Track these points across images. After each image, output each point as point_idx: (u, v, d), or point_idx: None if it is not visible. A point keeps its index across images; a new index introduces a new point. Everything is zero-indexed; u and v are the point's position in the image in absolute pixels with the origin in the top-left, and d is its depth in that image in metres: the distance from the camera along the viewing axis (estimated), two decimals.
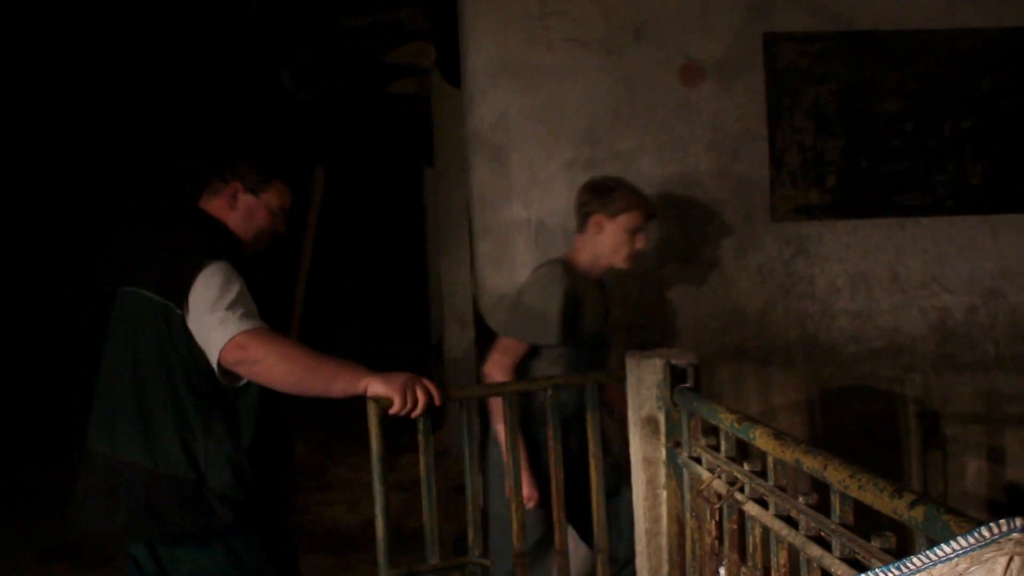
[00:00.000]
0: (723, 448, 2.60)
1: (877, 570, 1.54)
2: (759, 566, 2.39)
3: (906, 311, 4.49)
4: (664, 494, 3.00)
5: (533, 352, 3.77)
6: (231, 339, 2.90)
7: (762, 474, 2.36)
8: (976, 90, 4.54)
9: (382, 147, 11.16)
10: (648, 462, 3.03)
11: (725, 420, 2.53)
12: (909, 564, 1.47)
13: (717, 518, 2.65)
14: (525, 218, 4.32)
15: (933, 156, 4.51)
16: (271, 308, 3.16)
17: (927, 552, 1.44)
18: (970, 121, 4.53)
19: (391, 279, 13.12)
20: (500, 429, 3.65)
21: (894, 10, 4.50)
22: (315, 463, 7.71)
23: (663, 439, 2.97)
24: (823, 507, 2.04)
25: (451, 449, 7.65)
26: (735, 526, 2.58)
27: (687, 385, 2.94)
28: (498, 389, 3.33)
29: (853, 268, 4.49)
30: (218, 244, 3.10)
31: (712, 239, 4.40)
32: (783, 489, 2.29)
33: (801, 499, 2.13)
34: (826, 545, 2.01)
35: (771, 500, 2.30)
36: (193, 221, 3.23)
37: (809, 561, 2.05)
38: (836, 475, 1.89)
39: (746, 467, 2.44)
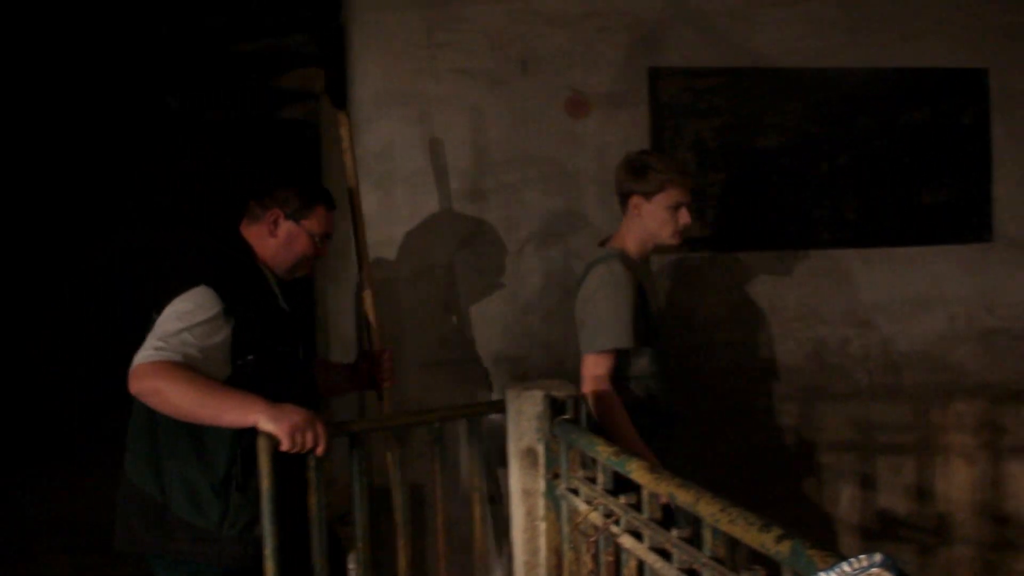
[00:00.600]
0: (600, 481, 2.62)
1: None
2: None
3: (783, 342, 4.58)
4: (543, 526, 3.01)
5: (630, 352, 3.69)
6: (133, 369, 2.93)
7: (637, 507, 2.38)
8: (852, 128, 4.66)
9: (270, 172, 11.04)
10: (527, 494, 3.04)
11: (602, 453, 2.55)
12: None
13: (593, 551, 2.66)
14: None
15: (811, 191, 4.63)
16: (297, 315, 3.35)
17: None
18: (846, 158, 4.65)
19: None
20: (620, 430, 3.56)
21: (776, 48, 4.61)
22: None
23: (542, 471, 2.99)
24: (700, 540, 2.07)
25: (336, 479, 7.55)
26: (611, 558, 2.59)
27: (567, 417, 2.96)
28: (383, 422, 3.32)
29: (733, 300, 4.57)
30: (217, 270, 3.13)
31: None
32: (658, 522, 2.31)
33: (674, 532, 2.16)
34: None
35: (645, 533, 2.32)
36: (215, 244, 3.29)
37: None
38: (707, 509, 1.93)
39: (622, 500, 2.46)
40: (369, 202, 4.26)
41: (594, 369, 3.61)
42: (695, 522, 2.07)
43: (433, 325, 4.33)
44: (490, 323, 4.35)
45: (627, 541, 2.41)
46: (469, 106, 4.31)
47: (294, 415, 2.91)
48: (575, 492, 2.81)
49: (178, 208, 9.47)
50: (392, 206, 4.29)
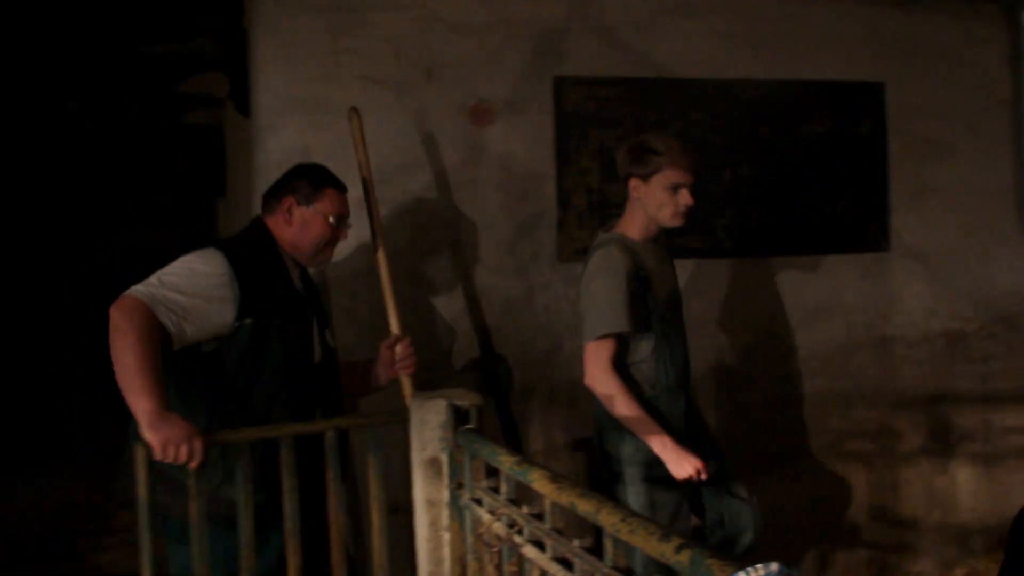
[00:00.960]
0: (503, 490, 2.61)
1: None
2: None
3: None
4: (447, 536, 2.99)
5: (629, 337, 3.72)
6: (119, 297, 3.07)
7: (540, 517, 2.38)
8: (754, 138, 4.73)
9: (175, 178, 10.88)
10: (431, 504, 3.01)
11: (505, 462, 2.54)
12: None
13: (497, 561, 2.65)
14: None
15: (714, 201, 4.68)
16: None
17: None
18: (748, 168, 4.71)
19: None
20: (628, 413, 3.64)
21: (680, 59, 4.66)
22: (94, 505, 7.39)
23: (446, 481, 2.96)
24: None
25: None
26: (515, 569, 2.58)
27: (470, 426, 2.94)
28: (270, 432, 3.26)
29: None
30: (230, 243, 3.41)
31: (503, 279, 4.43)
32: (561, 532, 2.31)
33: (576, 542, 2.15)
34: None
35: (548, 543, 2.31)
36: (243, 232, 3.55)
37: None
38: (609, 519, 1.92)
39: (525, 510, 2.45)
40: None
41: (595, 357, 3.67)
42: (597, 532, 2.07)
43: (339, 334, 4.29)
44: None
45: (530, 551, 2.40)
46: (373, 113, 4.27)
47: (172, 429, 2.95)
48: (479, 502, 2.79)
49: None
50: None
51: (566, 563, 2.23)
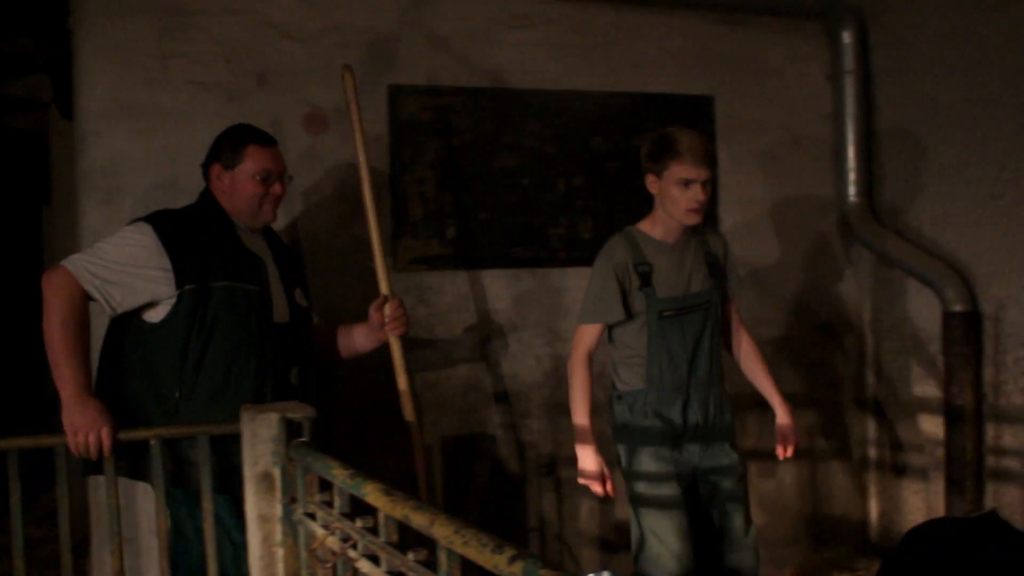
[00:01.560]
0: (337, 504, 2.57)
1: None
2: None
3: (522, 359, 4.64)
4: (280, 552, 2.93)
5: (620, 326, 3.81)
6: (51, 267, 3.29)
7: (374, 530, 2.34)
8: (587, 149, 4.79)
9: None
10: (264, 519, 2.95)
11: (338, 476, 2.50)
12: None
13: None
14: None
15: (548, 211, 4.72)
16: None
17: None
18: (581, 178, 4.77)
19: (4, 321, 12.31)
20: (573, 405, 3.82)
21: (514, 69, 4.69)
22: None
23: (279, 495, 2.90)
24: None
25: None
26: None
27: (303, 440, 2.89)
28: (144, 435, 3.20)
29: (472, 318, 4.60)
30: (160, 215, 3.46)
31: (336, 290, 4.37)
32: (396, 545, 2.28)
33: (411, 555, 2.13)
34: None
35: (383, 557, 2.29)
36: (193, 203, 3.64)
37: None
38: (442, 531, 1.91)
39: (359, 523, 2.41)
40: (96, 220, 4.08)
41: (576, 342, 3.83)
42: (431, 544, 2.05)
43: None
44: None
45: (364, 566, 2.37)
46: (204, 119, 4.17)
47: (83, 418, 3.16)
48: (312, 517, 2.75)
49: None
50: (121, 224, 4.09)
51: None
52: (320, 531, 2.64)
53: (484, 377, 4.62)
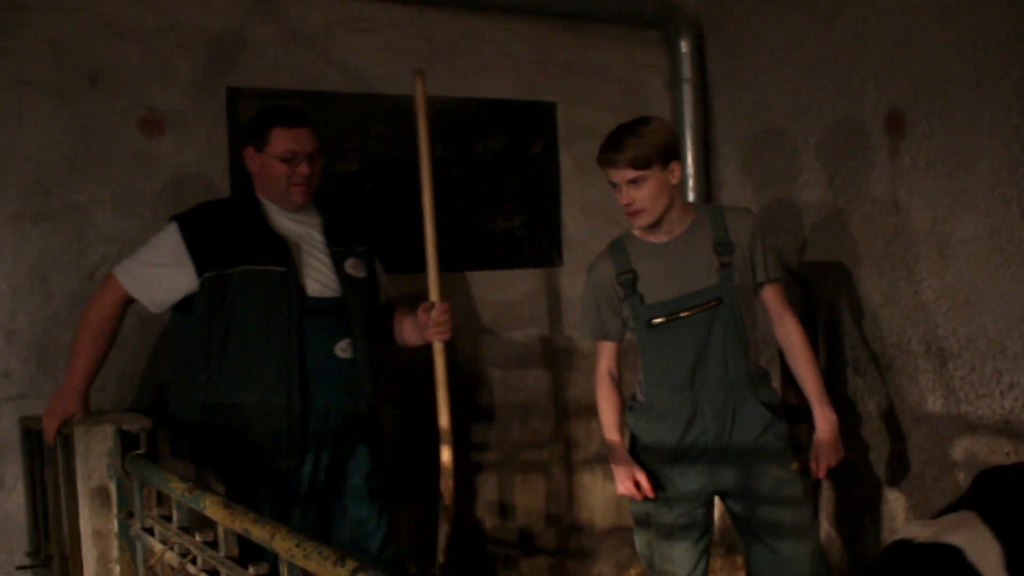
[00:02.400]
0: (175, 518, 2.50)
1: None
2: None
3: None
4: (117, 569, 2.85)
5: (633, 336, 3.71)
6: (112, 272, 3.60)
7: (214, 545, 2.29)
8: (432, 155, 4.75)
9: None
10: (99, 535, 2.86)
11: (176, 489, 2.44)
12: None
13: None
14: None
15: (390, 215, 4.67)
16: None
17: None
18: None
19: None
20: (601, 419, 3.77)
21: (357, 73, 4.64)
22: None
23: (115, 510, 2.82)
24: None
25: None
26: None
27: (140, 452, 2.81)
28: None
29: None
30: (190, 210, 3.70)
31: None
32: (236, 559, 2.23)
33: (251, 569, 2.08)
34: None
35: (222, 571, 2.23)
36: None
37: None
38: (283, 544, 1.87)
39: (198, 538, 2.35)
40: None
41: (597, 362, 3.81)
42: (274, 558, 2.01)
43: None
44: (64, 352, 4.03)
45: None
46: (32, 120, 4.01)
47: (55, 407, 3.45)
48: (150, 531, 2.67)
49: None
50: None
51: None
52: (158, 546, 2.58)
53: None
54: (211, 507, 2.20)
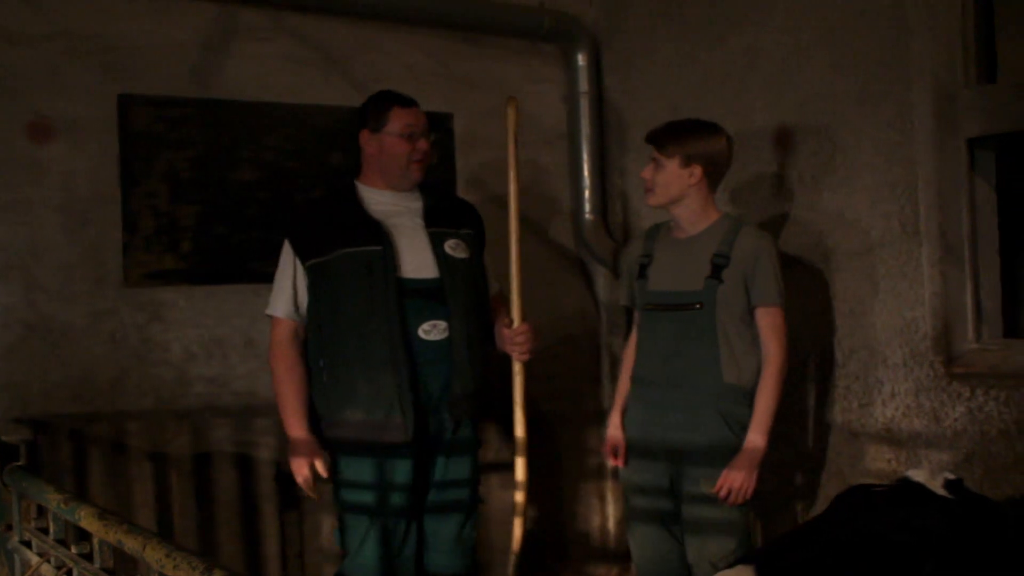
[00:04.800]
0: (52, 531, 2.47)
1: None
2: None
3: (261, 375, 4.55)
4: None
5: None
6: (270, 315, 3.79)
7: (89, 557, 2.27)
8: (325, 163, 4.76)
9: None
10: None
11: (52, 500, 2.41)
12: None
13: None
14: None
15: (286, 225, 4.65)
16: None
17: None
18: (321, 192, 4.73)
19: None
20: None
21: (251, 82, 4.61)
22: None
23: None
24: None
25: None
26: None
27: (19, 464, 2.77)
28: None
29: (209, 334, 4.49)
30: (296, 210, 4.22)
31: (63, 306, 4.19)
32: (111, 571, 2.21)
33: None
34: None
35: None
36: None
37: None
38: (154, 555, 1.87)
39: (74, 550, 2.33)
40: None
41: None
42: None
43: None
44: None
45: None
46: None
47: (297, 466, 3.66)
48: (28, 544, 2.64)
49: None
50: None
51: None
52: (35, 559, 2.54)
53: (222, 394, 4.52)
54: (86, 518, 2.18)
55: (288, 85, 4.69)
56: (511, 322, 3.83)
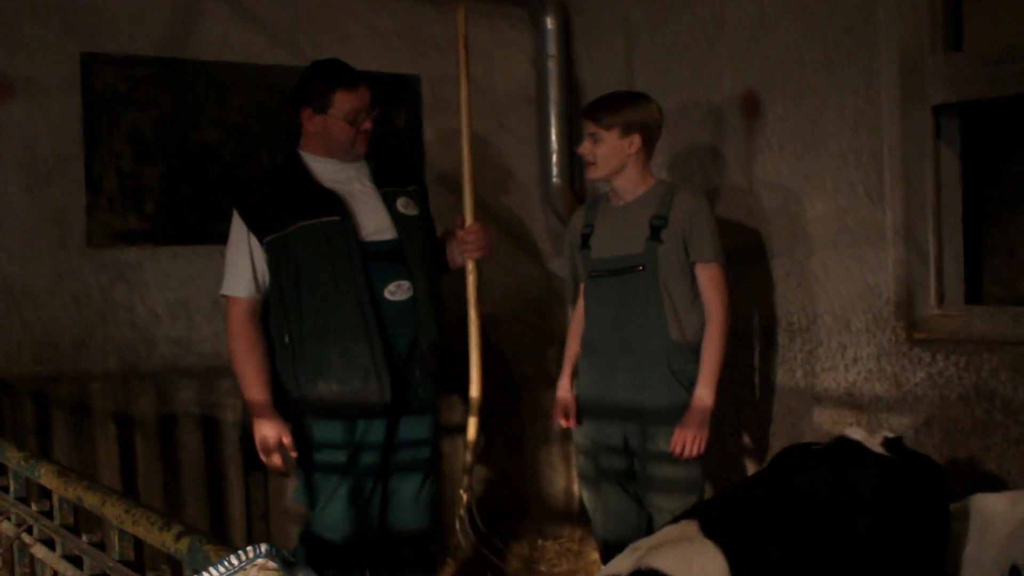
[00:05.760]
0: (12, 488, 2.47)
1: None
2: None
3: (226, 337, 4.54)
4: None
5: None
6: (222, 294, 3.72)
7: (49, 514, 2.26)
8: (290, 124, 4.72)
9: None
10: None
11: (12, 458, 2.40)
12: None
13: (7, 563, 2.50)
14: None
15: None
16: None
17: None
18: (285, 153, 4.70)
19: None
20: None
21: (216, 43, 4.58)
22: None
23: None
24: None
25: None
26: (28, 570, 2.45)
27: None
28: None
29: (174, 295, 4.48)
30: (243, 186, 4.04)
31: (25, 267, 4.16)
32: (72, 528, 2.21)
33: (84, 538, 2.07)
34: None
35: (58, 541, 2.21)
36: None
37: None
38: (113, 511, 1.87)
39: (34, 507, 2.33)
40: None
41: None
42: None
43: None
44: None
45: (40, 551, 2.29)
46: None
47: (262, 442, 3.64)
48: None
49: None
50: None
51: (77, 560, 2.14)
52: None
53: (187, 356, 4.51)
54: (46, 476, 2.17)
55: (253, 45, 4.66)
56: (463, 222, 3.86)
